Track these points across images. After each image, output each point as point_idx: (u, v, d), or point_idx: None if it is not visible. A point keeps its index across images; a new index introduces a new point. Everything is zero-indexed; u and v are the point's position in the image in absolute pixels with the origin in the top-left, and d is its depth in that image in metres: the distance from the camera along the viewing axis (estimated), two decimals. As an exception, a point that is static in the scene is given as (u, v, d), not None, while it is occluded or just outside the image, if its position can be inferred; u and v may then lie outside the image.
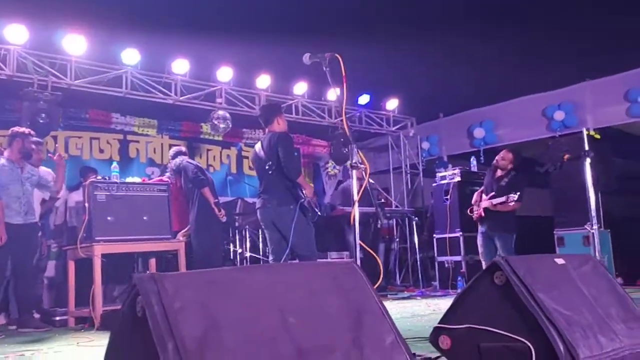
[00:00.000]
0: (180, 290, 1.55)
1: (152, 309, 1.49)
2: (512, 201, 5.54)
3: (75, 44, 6.41)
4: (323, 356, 1.62)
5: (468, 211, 6.21)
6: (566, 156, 4.68)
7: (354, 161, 2.63)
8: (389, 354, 1.74)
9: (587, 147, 3.89)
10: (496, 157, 6.03)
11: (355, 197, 2.63)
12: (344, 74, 2.71)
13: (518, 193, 5.54)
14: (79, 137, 7.75)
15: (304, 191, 4.39)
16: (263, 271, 1.81)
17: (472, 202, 6.16)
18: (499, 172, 5.98)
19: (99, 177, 5.44)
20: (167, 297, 1.52)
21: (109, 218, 5.05)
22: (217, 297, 1.58)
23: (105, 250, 4.95)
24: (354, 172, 2.65)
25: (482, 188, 6.16)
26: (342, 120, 8.87)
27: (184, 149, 6.67)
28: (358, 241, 2.58)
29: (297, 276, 1.79)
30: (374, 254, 3.13)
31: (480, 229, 6.01)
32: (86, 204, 5.08)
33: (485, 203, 5.89)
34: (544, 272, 2.26)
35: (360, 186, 2.69)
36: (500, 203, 5.71)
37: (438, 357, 2.41)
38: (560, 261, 2.41)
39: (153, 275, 1.56)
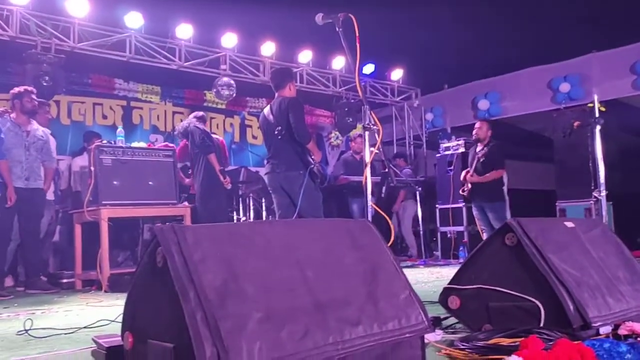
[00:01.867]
0: (200, 241, 1.57)
1: (172, 259, 1.51)
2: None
3: (78, 5, 6.33)
4: (339, 309, 1.64)
5: (460, 191, 6.39)
6: (576, 123, 4.69)
7: (366, 123, 2.62)
8: (403, 309, 1.77)
9: (597, 115, 3.88)
10: (473, 132, 6.26)
11: (367, 159, 2.63)
12: (357, 35, 2.68)
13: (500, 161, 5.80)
14: (82, 103, 7.70)
15: (313, 156, 4.38)
16: (282, 225, 1.83)
17: (462, 179, 6.30)
18: (480, 146, 6.18)
19: (104, 142, 5.43)
20: (187, 248, 1.54)
21: (115, 182, 5.06)
22: (237, 249, 1.60)
23: (111, 214, 4.97)
24: (367, 134, 2.64)
25: (470, 166, 6.35)
26: (347, 89, 8.83)
27: (202, 113, 6.56)
28: (370, 204, 2.59)
29: (315, 231, 1.81)
30: (385, 215, 3.14)
31: (473, 202, 6.26)
32: (92, 168, 5.08)
33: (467, 176, 6.06)
34: (554, 234, 2.28)
35: (371, 151, 2.68)
36: (497, 158, 5.95)
37: (447, 316, 2.44)
38: (570, 224, 2.43)
39: (173, 227, 1.57)
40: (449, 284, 2.38)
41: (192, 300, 1.44)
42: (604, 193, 3.72)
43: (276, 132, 4.35)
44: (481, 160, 6.02)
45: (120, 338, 1.74)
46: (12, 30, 6.10)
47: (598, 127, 3.69)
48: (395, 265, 1.90)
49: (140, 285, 1.69)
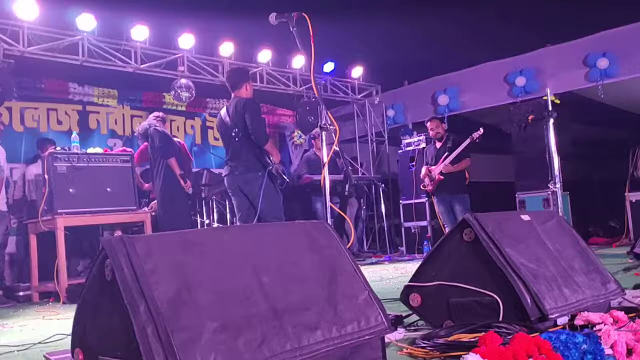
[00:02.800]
0: (151, 251, 1.52)
1: (121, 271, 1.46)
2: (478, 136, 5.95)
3: (27, 8, 6.11)
4: (297, 314, 1.62)
5: (421, 186, 6.51)
6: (530, 116, 4.82)
7: (323, 123, 2.60)
8: (362, 310, 1.75)
9: (550, 108, 3.96)
10: (430, 133, 6.53)
11: (325, 159, 2.61)
12: (311, 34, 2.66)
13: (481, 129, 5.96)
14: (35, 109, 7.45)
15: (271, 158, 4.34)
16: (236, 231, 1.79)
17: (422, 176, 6.41)
18: (439, 143, 6.39)
19: (58, 148, 5.26)
20: (137, 259, 1.49)
21: (70, 190, 4.92)
22: (190, 257, 1.56)
23: (68, 222, 4.83)
24: (324, 134, 2.62)
25: (426, 163, 6.53)
26: (308, 87, 8.81)
27: (161, 114, 6.44)
28: (329, 203, 2.57)
29: (269, 235, 1.78)
30: (345, 216, 3.13)
31: (436, 197, 6.36)
32: (46, 176, 4.93)
33: (439, 167, 6.13)
34: (511, 228, 2.31)
35: (330, 150, 2.66)
36: (463, 151, 6.06)
37: (409, 314, 2.45)
38: (526, 217, 2.46)
39: (122, 238, 1.52)
40: (410, 281, 2.39)
41: (143, 314, 1.39)
42: (558, 185, 3.80)
43: (233, 134, 4.30)
44: (449, 149, 6.17)
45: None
46: (-44, 35, 5.86)
47: (551, 120, 3.78)
48: (353, 266, 1.89)
49: (89, 299, 1.63)
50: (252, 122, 4.27)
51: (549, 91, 4.27)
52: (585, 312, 2.07)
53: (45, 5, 6.23)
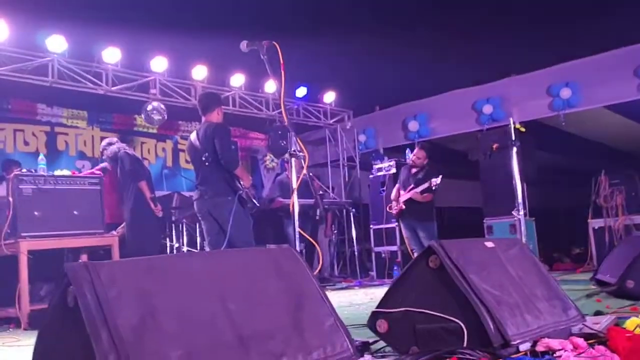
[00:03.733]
0: (115, 278, 1.51)
1: (84, 298, 1.45)
2: (435, 184, 6.03)
3: (-5, 29, 6.04)
4: (263, 341, 1.62)
5: (387, 208, 6.60)
6: (495, 145, 4.96)
7: (292, 149, 2.63)
8: (328, 337, 1.77)
9: (513, 137, 4.09)
10: (411, 157, 6.59)
11: (294, 185, 2.64)
12: (281, 61, 2.70)
13: (440, 176, 6.06)
14: (1, 129, 7.32)
15: (241, 182, 4.34)
16: (201, 257, 1.80)
17: (392, 198, 6.51)
18: (414, 169, 6.51)
19: (24, 170, 5.16)
20: (100, 286, 1.48)
21: (35, 213, 4.81)
22: (155, 284, 1.55)
23: (32, 246, 4.72)
24: (293, 160, 2.65)
25: (399, 185, 6.59)
26: (280, 112, 8.86)
27: (115, 139, 6.44)
28: (297, 229, 2.59)
29: (236, 262, 1.79)
30: (314, 242, 3.15)
31: (402, 222, 6.43)
32: (10, 199, 4.82)
33: (405, 196, 6.24)
34: (475, 254, 2.35)
35: (299, 175, 2.69)
36: (424, 190, 6.15)
37: (376, 341, 2.46)
38: (490, 244, 2.52)
39: (86, 264, 1.51)
40: (377, 307, 2.41)
41: (105, 342, 1.38)
42: (522, 212, 3.91)
43: (203, 159, 4.30)
44: (420, 180, 6.28)
45: (30, 384, 1.64)
46: None
47: (514, 149, 3.89)
48: (320, 292, 1.91)
49: (50, 326, 1.60)
50: (222, 147, 4.28)
51: (511, 120, 4.39)
52: (547, 338, 2.12)
53: (14, 26, 6.17)
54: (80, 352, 1.44)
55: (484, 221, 7.66)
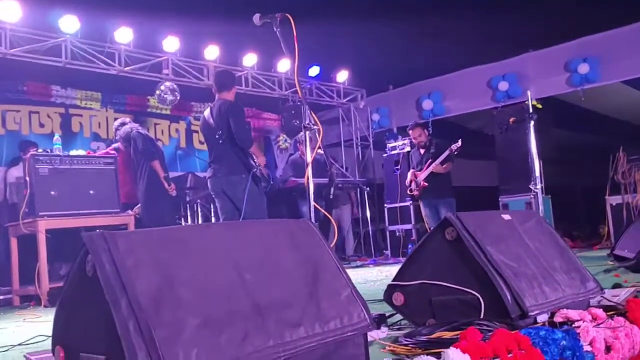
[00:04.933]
0: (132, 247, 1.51)
1: (103, 267, 1.45)
2: (457, 148, 6.08)
3: (9, 10, 6.05)
4: (279, 311, 1.62)
5: (408, 191, 6.59)
6: (512, 119, 4.90)
7: (306, 123, 2.61)
8: (345, 307, 1.76)
9: (530, 111, 4.03)
10: (412, 140, 6.64)
11: (309, 159, 2.62)
12: (295, 34, 2.67)
13: (460, 140, 6.11)
14: (16, 111, 7.37)
15: (256, 160, 4.33)
16: (218, 228, 1.79)
17: (408, 182, 6.49)
18: (422, 149, 6.51)
19: (40, 151, 5.21)
20: (118, 255, 1.49)
21: (52, 192, 4.86)
22: (172, 254, 1.55)
23: (49, 225, 4.77)
24: (307, 134, 2.63)
25: (413, 169, 6.62)
26: (293, 91, 8.83)
27: (128, 119, 6.45)
28: (312, 203, 2.58)
29: (252, 233, 1.78)
30: (329, 216, 3.15)
31: (423, 201, 6.38)
32: (27, 178, 4.87)
33: (425, 172, 6.20)
34: (492, 227, 2.33)
35: (313, 149, 2.68)
36: (444, 159, 6.14)
37: (392, 314, 2.46)
38: (506, 217, 2.49)
39: (103, 234, 1.52)
40: (393, 280, 2.40)
41: (124, 309, 1.39)
42: (539, 186, 3.86)
43: (217, 136, 4.29)
44: (433, 154, 6.29)
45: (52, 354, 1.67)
46: (-64, 36, 5.78)
47: (532, 123, 3.83)
48: (336, 264, 1.90)
49: (70, 296, 1.61)
50: (237, 125, 4.26)
51: (529, 94, 4.32)
52: (565, 309, 2.10)
53: (27, 7, 6.18)
54: (100, 319, 1.45)
55: (500, 199, 7.61)
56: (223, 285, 1.60)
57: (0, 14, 6.07)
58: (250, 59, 8.29)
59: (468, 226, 2.22)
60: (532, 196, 6.83)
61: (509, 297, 2.05)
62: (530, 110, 4.06)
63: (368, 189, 8.25)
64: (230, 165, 4.29)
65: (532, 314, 2.04)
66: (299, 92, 2.75)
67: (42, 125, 7.58)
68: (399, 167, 8.07)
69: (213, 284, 1.58)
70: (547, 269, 2.34)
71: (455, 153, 6.11)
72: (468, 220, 2.24)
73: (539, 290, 2.18)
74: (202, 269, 1.60)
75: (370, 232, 8.25)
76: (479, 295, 2.12)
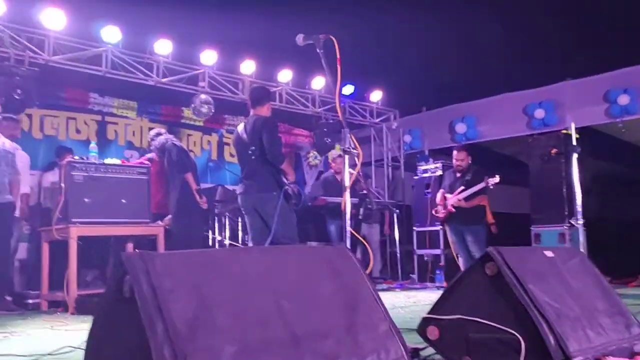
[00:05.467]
0: (171, 269, 1.49)
1: (140, 289, 1.43)
2: (493, 183, 5.80)
3: (54, 18, 6.20)
4: (316, 342, 1.58)
5: (433, 212, 6.41)
6: (554, 150, 4.76)
7: (346, 146, 2.57)
8: (383, 342, 1.71)
9: (574, 143, 3.91)
10: (454, 162, 6.31)
11: (347, 183, 2.58)
12: (338, 56, 2.65)
13: (497, 176, 5.82)
14: (55, 117, 7.53)
15: (287, 177, 4.30)
16: (256, 253, 1.76)
17: (437, 201, 6.30)
18: (459, 173, 6.26)
19: (76, 157, 5.28)
20: (156, 277, 1.46)
21: (85, 199, 4.91)
22: (210, 278, 1.52)
23: (81, 232, 4.82)
24: (346, 157, 2.59)
25: (443, 190, 6.38)
26: (326, 109, 8.83)
27: (163, 130, 6.53)
28: (349, 229, 2.53)
29: (290, 259, 1.75)
30: (365, 243, 3.08)
31: (449, 226, 6.23)
32: (62, 185, 4.94)
33: (453, 199, 6.03)
34: (534, 264, 2.25)
35: (351, 173, 2.63)
36: (479, 191, 5.92)
37: (425, 347, 2.38)
38: (549, 254, 2.40)
39: (143, 254, 1.50)
40: (428, 313, 2.33)
41: (160, 334, 1.36)
42: (580, 221, 3.73)
43: (250, 152, 4.27)
44: (469, 181, 6.07)
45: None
46: (-16, 42, 5.95)
47: (575, 155, 3.72)
48: (374, 295, 1.85)
49: (105, 315, 1.59)
50: (270, 141, 4.23)
51: (573, 126, 4.20)
52: (611, 357, 2.00)
53: (71, 16, 6.33)
54: (135, 341, 1.42)
55: (532, 228, 7.42)
56: (260, 312, 1.56)
57: (45, 21, 6.24)
58: (285, 75, 8.33)
59: (509, 262, 2.14)
60: (566, 227, 6.66)
61: (551, 340, 1.96)
62: (574, 143, 3.95)
63: (398, 211, 8.15)
64: (262, 182, 4.27)
65: (575, 359, 1.95)
66: (340, 115, 2.72)
67: (78, 132, 7.71)
68: (429, 190, 7.97)
69: (250, 310, 1.55)
70: (590, 311, 2.25)
71: (491, 187, 5.92)
72: (510, 256, 2.16)
73: (583, 334, 2.09)
74: (240, 294, 1.56)
75: (398, 254, 8.13)
76: (519, 336, 2.03)
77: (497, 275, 2.15)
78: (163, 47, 7.05)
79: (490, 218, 6.27)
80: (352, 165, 2.82)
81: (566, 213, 6.75)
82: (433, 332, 2.28)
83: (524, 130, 8.38)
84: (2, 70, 5.86)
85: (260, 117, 4.40)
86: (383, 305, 1.82)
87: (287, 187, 4.25)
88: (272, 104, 7.27)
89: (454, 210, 6.04)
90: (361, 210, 6.07)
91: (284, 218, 4.19)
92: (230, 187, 7.67)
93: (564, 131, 6.94)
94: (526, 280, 2.11)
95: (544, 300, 2.08)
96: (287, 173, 4.37)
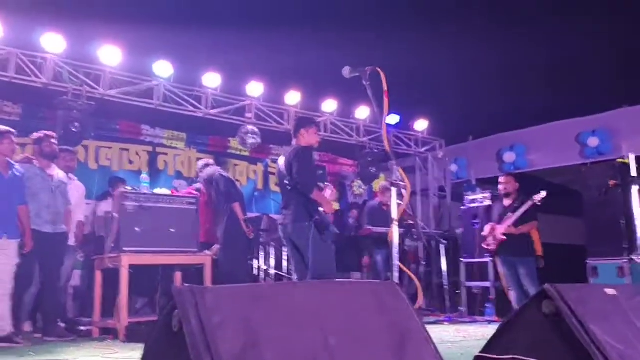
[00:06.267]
0: (219, 304, 1.49)
1: (189, 323, 1.43)
2: (540, 199, 5.68)
3: (110, 54, 6.50)
4: (365, 381, 1.53)
5: (484, 245, 6.21)
6: (612, 182, 4.56)
7: (394, 179, 2.54)
8: (434, 383, 1.64)
9: (635, 174, 3.74)
10: (499, 187, 6.20)
11: (395, 216, 2.54)
12: (385, 89, 2.64)
13: (544, 192, 5.70)
14: (109, 148, 7.81)
15: (321, 208, 4.20)
16: (304, 288, 1.74)
17: (486, 233, 6.11)
18: (507, 201, 6.10)
19: (128, 188, 5.43)
20: (205, 312, 1.46)
21: (137, 229, 5.02)
22: (258, 313, 1.51)
23: (132, 261, 4.91)
24: (393, 190, 2.56)
25: (493, 223, 6.19)
26: (372, 138, 8.82)
27: (212, 161, 6.66)
28: (397, 262, 2.48)
29: (339, 295, 1.71)
30: (413, 276, 3.02)
31: (500, 257, 6.06)
32: (115, 214, 5.07)
33: (503, 227, 5.86)
34: (595, 302, 2.13)
35: (399, 205, 2.60)
36: (527, 212, 5.78)
37: (478, 387, 2.28)
38: (611, 292, 2.27)
39: (192, 288, 1.50)
40: (481, 352, 2.23)
41: (208, 370, 1.35)
42: (643, 255, 3.53)
43: (286, 182, 4.26)
44: (517, 209, 5.90)
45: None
46: (45, 78, 6.27)
47: (636, 187, 3.56)
48: (424, 332, 1.79)
49: (155, 348, 1.60)
50: (298, 170, 4.16)
51: (632, 156, 4.03)
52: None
53: (126, 52, 6.61)
54: (183, 377, 1.42)
55: (587, 261, 7.11)
56: (307, 348, 1.53)
57: (102, 57, 6.53)
58: (329, 105, 8.41)
59: (569, 300, 2.03)
60: (625, 261, 6.35)
61: (615, 385, 1.84)
62: (635, 174, 3.78)
63: (445, 242, 7.99)
64: (295, 212, 4.21)
65: (641, 405, 1.82)
66: (387, 148, 2.70)
67: (131, 162, 7.97)
68: (478, 220, 7.78)
69: (297, 346, 1.52)
70: (657, 353, 2.10)
71: (539, 204, 5.73)
72: (569, 294, 2.06)
73: (649, 378, 1.95)
74: (288, 329, 1.54)
75: (446, 286, 7.93)
76: (579, 379, 1.92)
77: (555, 314, 2.04)
78: (211, 80, 7.26)
79: (539, 250, 6.03)
80: (400, 197, 2.78)
81: (625, 246, 6.45)
82: (486, 372, 2.18)
83: (577, 159, 8.14)
84: (61, 105, 6.15)
85: (295, 147, 4.35)
86: (433, 343, 1.76)
87: (317, 217, 4.14)
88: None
89: (505, 238, 5.86)
90: (406, 240, 5.97)
91: (318, 249, 4.09)
92: (275, 217, 7.70)
93: (620, 160, 6.68)
94: (587, 320, 2.00)
95: (606, 341, 1.96)
96: (321, 203, 4.25)
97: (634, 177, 3.66)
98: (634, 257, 3.75)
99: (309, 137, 4.43)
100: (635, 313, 2.22)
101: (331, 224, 4.32)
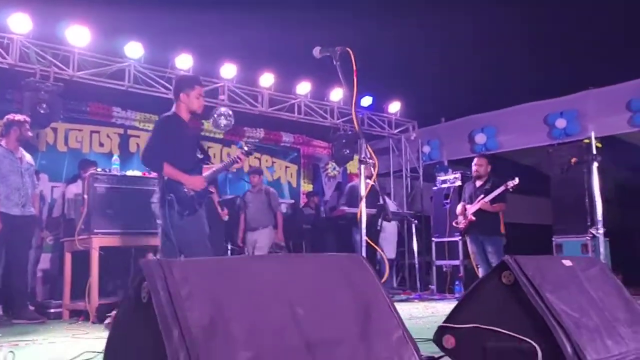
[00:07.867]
0: (187, 277, 1.52)
1: (157, 295, 1.46)
2: (513, 185, 5.80)
3: (78, 35, 6.38)
4: (330, 349, 1.59)
5: (454, 223, 6.37)
6: (573, 160, 4.71)
7: (362, 157, 2.59)
8: (396, 350, 1.71)
9: (595, 152, 3.88)
10: (473, 169, 6.31)
11: (363, 194, 2.60)
12: (355, 68, 2.68)
13: (517, 178, 5.81)
14: (79, 130, 7.70)
15: (183, 184, 3.65)
16: (272, 261, 1.78)
17: (458, 212, 6.27)
18: (479, 182, 6.23)
19: (99, 170, 5.39)
20: (174, 284, 1.49)
21: (108, 211, 5.00)
22: (225, 286, 1.55)
23: (103, 243, 4.90)
24: (363, 167, 2.61)
25: (464, 200, 6.36)
26: (344, 120, 8.87)
27: None
28: (364, 238, 2.54)
29: (306, 267, 1.76)
30: (381, 251, 3.08)
31: (469, 236, 6.20)
32: (85, 196, 5.03)
33: (475, 206, 6.00)
34: (552, 272, 2.23)
35: (367, 183, 2.65)
36: (498, 196, 5.91)
37: (441, 356, 2.37)
38: (568, 263, 2.38)
39: (160, 261, 1.53)
40: (444, 322, 2.32)
41: (176, 340, 1.38)
42: (601, 230, 3.69)
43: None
44: (488, 190, 6.05)
45: (101, 376, 1.68)
46: (11, 58, 6.13)
47: (595, 164, 3.69)
48: (388, 303, 1.85)
49: (123, 321, 1.63)
50: (147, 144, 3.72)
51: (593, 134, 4.17)
52: (630, 366, 1.97)
53: (95, 32, 6.49)
54: (151, 346, 1.45)
55: (553, 239, 7.33)
56: (275, 320, 1.58)
57: (70, 38, 6.40)
58: (303, 87, 8.41)
59: (526, 271, 2.13)
60: (588, 238, 6.57)
61: (569, 349, 1.94)
62: (594, 152, 3.91)
63: (416, 222, 8.12)
64: (157, 195, 3.78)
65: (594, 368, 1.92)
66: (356, 125, 2.75)
67: (101, 145, 7.87)
68: (449, 200, 7.93)
69: (265, 318, 1.56)
70: (610, 320, 2.22)
71: (510, 190, 5.90)
72: (526, 265, 2.15)
73: (601, 343, 2.06)
74: (255, 301, 1.58)
75: (416, 265, 8.09)
76: (536, 345, 2.02)
77: (514, 284, 2.14)
78: (184, 61, 7.18)
79: (502, 229, 6.21)
80: (369, 176, 2.83)
81: (588, 223, 6.66)
82: (449, 341, 2.27)
83: (545, 140, 8.31)
84: (28, 86, 6.02)
85: (160, 117, 3.90)
86: (397, 313, 1.83)
87: (169, 196, 3.57)
88: (290, 116, 7.26)
89: (474, 219, 6.01)
90: (379, 221, 6.06)
91: (181, 230, 3.60)
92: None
93: (586, 141, 6.87)
94: (543, 289, 2.10)
95: (561, 309, 2.06)
96: (180, 179, 3.65)
97: (594, 154, 3.78)
98: (592, 231, 3.89)
99: (189, 102, 3.81)
100: (590, 282, 2.33)
101: (195, 200, 3.73)
